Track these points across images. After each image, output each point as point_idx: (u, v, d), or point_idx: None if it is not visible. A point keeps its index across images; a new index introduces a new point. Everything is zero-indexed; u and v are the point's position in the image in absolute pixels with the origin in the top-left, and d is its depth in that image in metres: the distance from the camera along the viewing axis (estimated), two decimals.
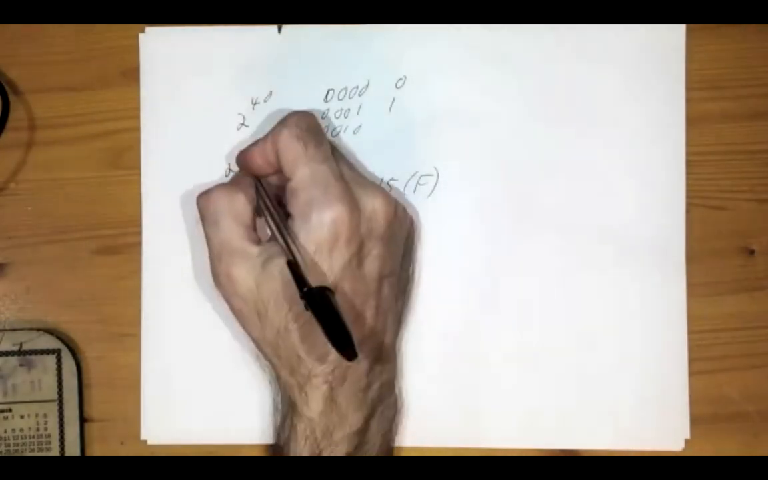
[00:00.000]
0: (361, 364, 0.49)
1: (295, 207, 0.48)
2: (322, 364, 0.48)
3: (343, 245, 0.48)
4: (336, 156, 0.50)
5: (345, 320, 0.45)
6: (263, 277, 0.48)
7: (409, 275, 0.53)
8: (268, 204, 0.50)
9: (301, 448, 0.49)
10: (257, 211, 0.50)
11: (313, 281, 0.47)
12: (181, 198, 0.54)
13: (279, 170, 0.50)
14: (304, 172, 0.48)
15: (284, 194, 0.49)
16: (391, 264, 0.50)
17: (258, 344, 0.50)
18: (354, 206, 0.48)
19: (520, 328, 0.54)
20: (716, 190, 0.55)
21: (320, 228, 0.48)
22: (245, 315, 0.49)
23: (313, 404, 0.49)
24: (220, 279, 0.50)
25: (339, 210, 0.48)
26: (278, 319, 0.49)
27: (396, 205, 0.50)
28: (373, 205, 0.49)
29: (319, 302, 0.46)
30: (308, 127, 0.49)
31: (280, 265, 0.48)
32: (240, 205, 0.49)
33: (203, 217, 0.50)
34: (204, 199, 0.50)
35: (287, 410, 0.50)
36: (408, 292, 0.53)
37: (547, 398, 0.54)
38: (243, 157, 0.51)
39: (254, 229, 0.49)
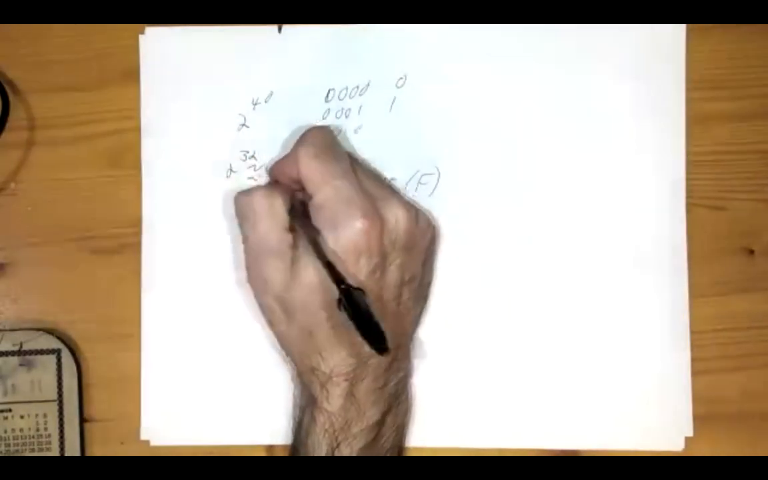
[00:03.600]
0: (380, 363, 0.50)
1: (320, 222, 0.49)
2: (342, 365, 0.49)
3: (367, 258, 0.49)
4: (355, 167, 0.51)
5: (377, 318, 0.47)
6: (293, 280, 0.49)
7: (430, 279, 0.54)
8: (300, 211, 0.51)
9: (320, 440, 0.50)
10: (291, 215, 0.50)
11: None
12: (183, 198, 0.54)
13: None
14: (326, 191, 0.49)
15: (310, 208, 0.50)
16: (411, 271, 0.51)
17: (282, 342, 0.51)
18: (376, 219, 0.49)
19: (519, 328, 0.54)
20: (716, 190, 0.55)
21: (345, 242, 0.48)
22: (275, 313, 0.51)
23: (333, 400, 0.50)
24: (253, 277, 0.51)
25: (363, 224, 0.48)
26: (304, 321, 0.50)
27: (417, 214, 0.51)
28: (396, 216, 0.50)
29: (355, 300, 0.48)
30: (324, 143, 0.50)
31: (309, 269, 0.49)
32: (277, 207, 0.50)
33: (241, 216, 0.51)
34: (243, 198, 0.51)
35: (307, 404, 0.51)
36: (428, 296, 0.54)
37: (549, 398, 0.54)
38: (272, 171, 0.53)
39: (289, 231, 0.50)
